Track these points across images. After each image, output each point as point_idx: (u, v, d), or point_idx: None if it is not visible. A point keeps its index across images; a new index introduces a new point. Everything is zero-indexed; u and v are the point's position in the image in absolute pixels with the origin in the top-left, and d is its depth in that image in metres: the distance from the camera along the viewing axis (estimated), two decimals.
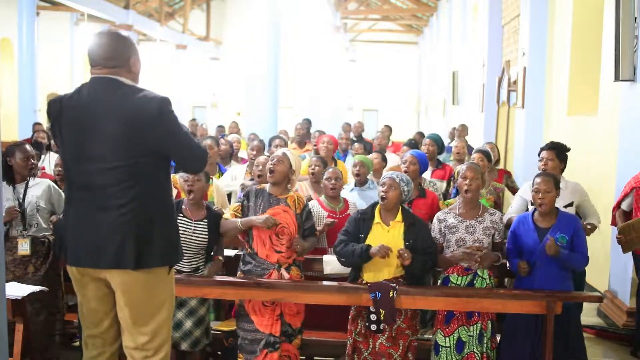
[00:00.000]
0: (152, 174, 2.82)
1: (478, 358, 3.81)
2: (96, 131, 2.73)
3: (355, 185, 5.32)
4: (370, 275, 3.92)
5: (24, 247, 4.23)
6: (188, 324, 4.06)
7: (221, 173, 6.12)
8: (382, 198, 3.91)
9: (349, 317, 4.02)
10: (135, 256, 2.72)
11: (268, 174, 4.03)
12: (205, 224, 4.14)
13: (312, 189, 5.31)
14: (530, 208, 4.30)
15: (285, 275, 3.94)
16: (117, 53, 2.80)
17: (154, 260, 2.79)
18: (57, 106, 2.85)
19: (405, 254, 3.76)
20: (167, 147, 2.81)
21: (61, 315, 4.43)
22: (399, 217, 3.93)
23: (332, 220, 4.50)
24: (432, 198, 5.02)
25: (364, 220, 3.97)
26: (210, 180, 5.16)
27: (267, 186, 4.11)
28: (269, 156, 4.64)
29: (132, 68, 2.85)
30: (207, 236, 4.12)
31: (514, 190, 6.21)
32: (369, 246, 3.82)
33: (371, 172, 5.49)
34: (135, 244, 2.72)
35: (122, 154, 2.72)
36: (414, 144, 8.03)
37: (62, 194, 4.43)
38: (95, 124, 2.74)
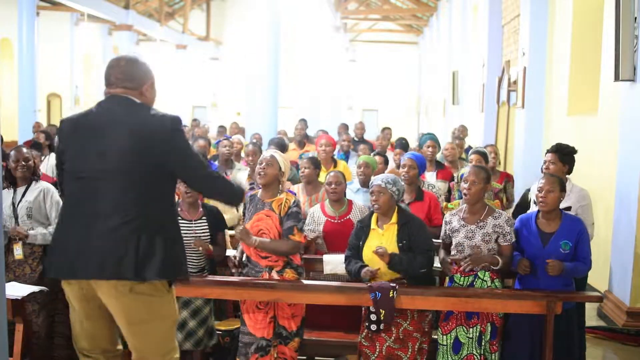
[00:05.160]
0: (158, 189, 2.82)
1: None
2: (104, 142, 2.76)
3: (360, 186, 5.32)
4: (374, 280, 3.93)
5: (17, 252, 4.26)
6: (192, 323, 4.08)
7: None
8: (375, 207, 3.94)
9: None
10: (134, 268, 2.68)
11: (257, 177, 3.99)
12: (205, 221, 4.18)
13: (304, 191, 5.25)
14: (535, 208, 4.24)
15: (276, 277, 3.92)
16: (132, 75, 2.88)
17: (152, 272, 2.72)
18: (70, 125, 2.90)
19: (379, 250, 3.77)
20: (174, 164, 2.83)
21: (63, 316, 4.41)
22: (394, 218, 3.93)
23: (315, 235, 4.52)
24: (430, 199, 5.00)
25: (363, 228, 4.02)
26: None
27: (260, 191, 4.08)
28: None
29: (145, 93, 2.91)
30: (208, 234, 4.15)
31: (507, 197, 6.16)
32: (362, 267, 3.91)
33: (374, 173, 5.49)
34: (134, 256, 2.68)
35: (128, 166, 2.74)
36: (405, 144, 8.06)
37: (56, 200, 4.38)
38: (103, 136, 2.77)
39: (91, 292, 2.78)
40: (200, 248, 4.10)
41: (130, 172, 2.74)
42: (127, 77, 2.87)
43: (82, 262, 2.72)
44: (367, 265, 3.92)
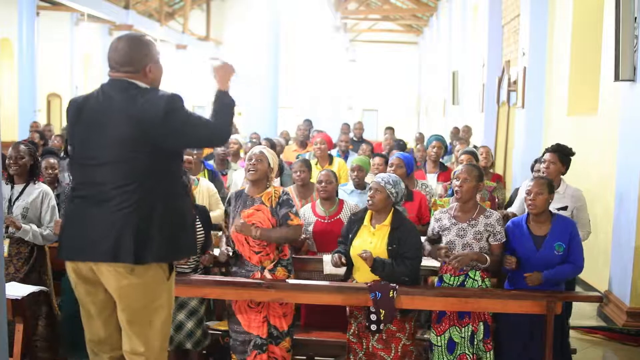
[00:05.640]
0: (157, 172, 2.81)
1: (470, 359, 3.79)
2: (102, 130, 2.76)
3: (355, 188, 5.32)
4: (359, 275, 3.93)
5: (4, 249, 4.23)
6: (189, 324, 4.08)
7: (209, 170, 6.10)
8: (369, 202, 3.91)
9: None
10: (134, 250, 2.69)
11: (247, 174, 3.99)
12: (198, 221, 4.17)
13: (297, 194, 5.19)
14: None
15: (268, 276, 3.91)
16: (131, 59, 2.82)
17: (151, 255, 2.74)
18: (75, 107, 2.90)
19: (363, 255, 3.75)
20: (177, 145, 2.86)
21: (46, 320, 4.33)
22: (388, 220, 3.88)
23: (304, 237, 4.48)
24: (420, 199, 5.03)
25: (354, 222, 4.00)
26: (196, 180, 5.14)
27: (246, 187, 4.08)
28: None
29: (149, 74, 2.86)
30: (203, 233, 4.17)
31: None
32: (335, 252, 3.96)
33: (370, 175, 5.48)
34: (132, 239, 2.70)
35: (130, 153, 2.74)
36: (402, 144, 8.08)
37: (52, 205, 4.39)
38: (102, 124, 2.77)
39: (93, 276, 2.80)
40: (206, 260, 4.17)
41: (133, 159, 2.75)
42: (126, 61, 2.82)
43: (84, 245, 2.76)
44: (341, 253, 3.93)
